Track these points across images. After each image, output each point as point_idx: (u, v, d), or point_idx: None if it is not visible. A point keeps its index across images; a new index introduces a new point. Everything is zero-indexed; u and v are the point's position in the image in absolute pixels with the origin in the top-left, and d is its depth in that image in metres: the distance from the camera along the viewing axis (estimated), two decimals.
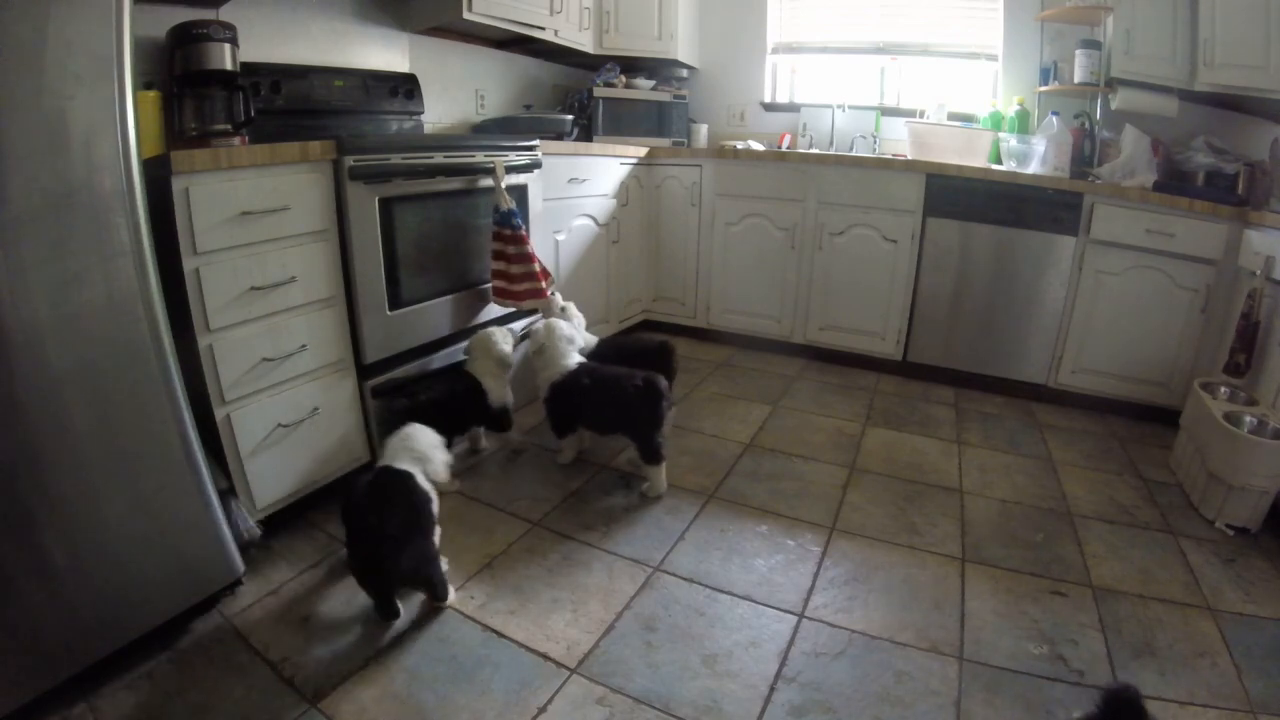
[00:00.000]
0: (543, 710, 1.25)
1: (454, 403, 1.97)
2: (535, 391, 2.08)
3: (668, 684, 1.31)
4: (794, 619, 1.51)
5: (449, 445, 1.88)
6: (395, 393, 1.94)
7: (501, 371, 2.08)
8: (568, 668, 1.35)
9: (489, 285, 2.24)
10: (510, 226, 2.13)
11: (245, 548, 1.55)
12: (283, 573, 1.60)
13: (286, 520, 1.76)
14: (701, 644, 1.42)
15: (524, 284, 2.18)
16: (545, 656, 1.38)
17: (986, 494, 2.07)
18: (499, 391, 2.07)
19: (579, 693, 1.29)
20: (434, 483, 1.50)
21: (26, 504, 1.12)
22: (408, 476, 1.42)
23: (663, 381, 1.93)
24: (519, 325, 2.41)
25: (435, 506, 1.47)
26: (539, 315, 2.44)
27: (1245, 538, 1.88)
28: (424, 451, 1.50)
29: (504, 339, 2.09)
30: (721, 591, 1.59)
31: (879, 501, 2.00)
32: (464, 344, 2.19)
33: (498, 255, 2.17)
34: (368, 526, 1.32)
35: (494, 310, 2.30)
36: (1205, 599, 1.62)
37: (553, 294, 2.29)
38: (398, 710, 1.24)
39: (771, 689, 1.31)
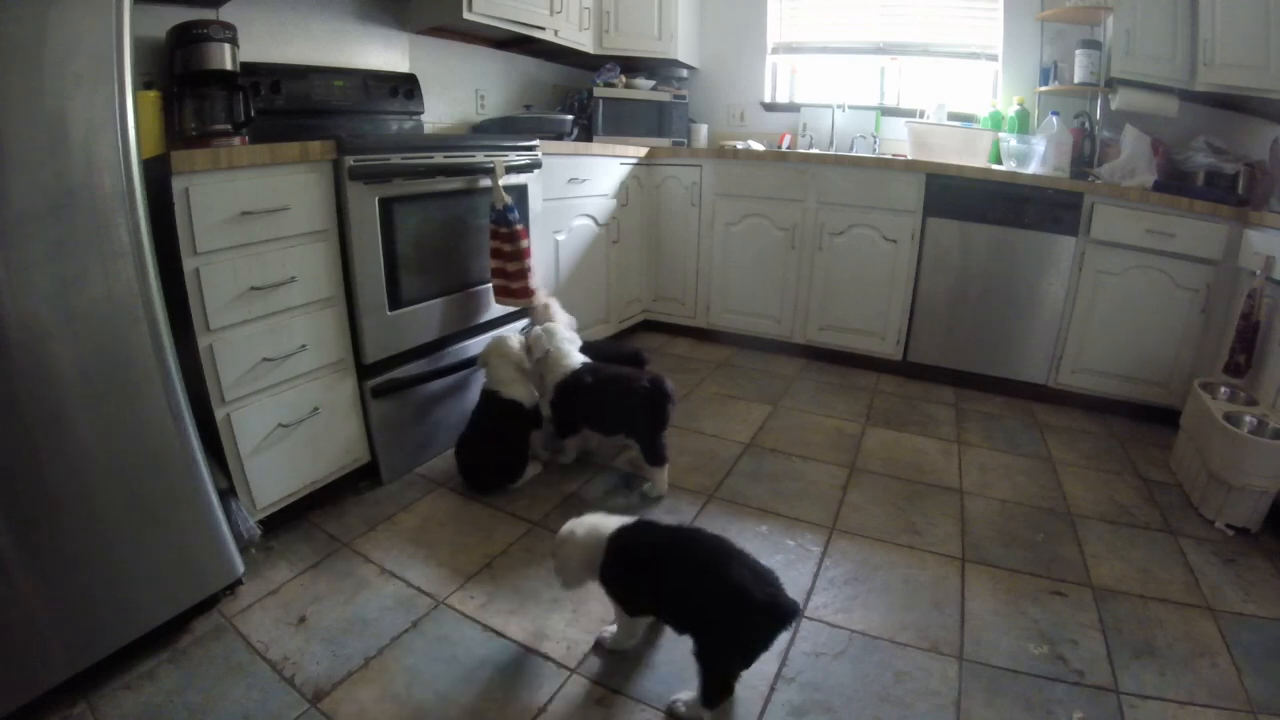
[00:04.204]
0: (543, 710, 1.25)
1: (505, 434, 1.97)
2: (542, 393, 2.07)
3: (668, 684, 1.31)
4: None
5: (523, 474, 2.01)
6: (464, 447, 2.00)
7: (521, 374, 2.03)
8: (568, 668, 1.35)
9: (490, 285, 2.24)
10: (506, 224, 2.12)
11: (245, 548, 1.55)
12: (283, 573, 1.60)
13: (286, 520, 1.76)
14: None
15: (519, 282, 2.17)
16: (545, 656, 1.38)
17: (986, 494, 2.07)
18: (524, 393, 2.02)
19: (579, 693, 1.29)
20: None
21: (26, 504, 1.12)
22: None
23: (669, 383, 1.93)
24: (519, 325, 2.41)
25: None
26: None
27: (1245, 538, 1.88)
28: None
29: (515, 340, 2.06)
30: None
31: (879, 501, 2.00)
32: (461, 345, 2.19)
33: (495, 254, 2.16)
34: None
35: (494, 310, 2.30)
36: (1205, 599, 1.62)
37: (536, 290, 2.25)
38: (398, 710, 1.24)
39: (771, 689, 1.31)
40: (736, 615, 1.16)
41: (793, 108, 3.64)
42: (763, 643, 1.18)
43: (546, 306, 2.22)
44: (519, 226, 2.14)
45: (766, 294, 3.22)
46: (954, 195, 2.76)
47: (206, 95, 1.76)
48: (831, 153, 3.24)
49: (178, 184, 1.39)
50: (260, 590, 1.54)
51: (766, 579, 1.20)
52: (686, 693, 1.24)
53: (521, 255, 2.16)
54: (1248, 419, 1.96)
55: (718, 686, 1.20)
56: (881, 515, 1.93)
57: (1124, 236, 2.52)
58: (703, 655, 1.19)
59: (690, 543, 1.28)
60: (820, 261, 3.06)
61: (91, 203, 1.15)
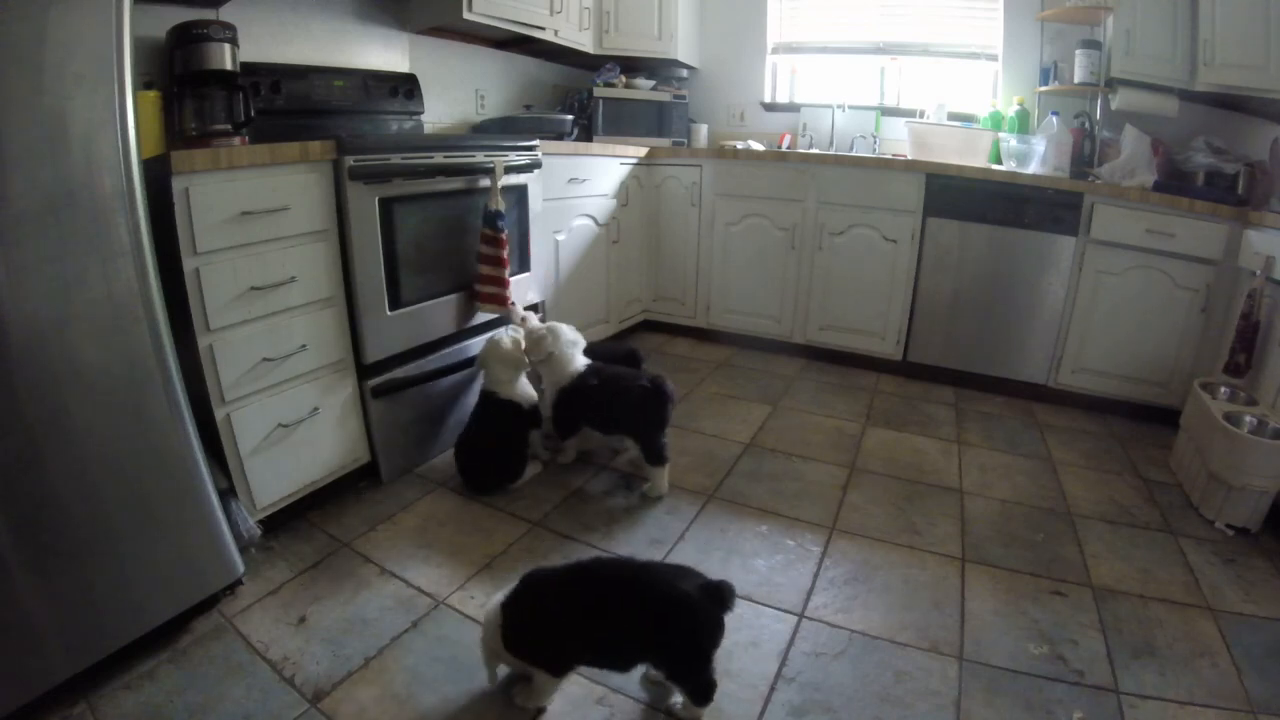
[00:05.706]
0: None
1: (505, 434, 1.98)
2: (542, 393, 2.07)
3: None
4: (794, 619, 1.51)
5: (523, 474, 2.00)
6: (464, 449, 1.99)
7: (518, 373, 2.03)
8: None
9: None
10: (492, 228, 2.11)
11: (245, 548, 1.55)
12: (283, 573, 1.60)
13: (286, 520, 1.77)
14: None
15: (489, 287, 2.14)
16: None
17: (986, 494, 2.07)
18: (523, 393, 2.02)
19: (579, 693, 1.29)
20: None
21: (27, 504, 1.12)
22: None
23: (669, 384, 1.93)
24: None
25: None
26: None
27: (1245, 538, 1.88)
28: None
29: (509, 340, 2.04)
30: None
31: (879, 501, 2.00)
32: (461, 345, 2.19)
33: (480, 256, 2.15)
34: None
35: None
36: (1205, 599, 1.62)
37: (513, 304, 2.21)
38: (398, 710, 1.24)
39: (771, 689, 1.31)
40: (685, 620, 1.15)
41: (793, 108, 3.64)
42: (716, 632, 1.18)
43: (524, 319, 2.16)
44: (503, 235, 2.12)
45: (766, 294, 3.21)
46: (954, 195, 2.76)
47: (206, 95, 1.76)
48: (831, 153, 3.25)
49: (178, 184, 1.39)
50: (260, 590, 1.54)
51: (687, 574, 1.21)
52: (680, 694, 1.24)
53: (498, 262, 2.12)
54: (1248, 419, 1.96)
55: (703, 687, 1.20)
56: (881, 515, 1.93)
57: (1124, 236, 2.52)
58: (674, 676, 1.20)
59: (596, 578, 1.24)
60: (820, 261, 3.06)
61: (91, 203, 1.15)
